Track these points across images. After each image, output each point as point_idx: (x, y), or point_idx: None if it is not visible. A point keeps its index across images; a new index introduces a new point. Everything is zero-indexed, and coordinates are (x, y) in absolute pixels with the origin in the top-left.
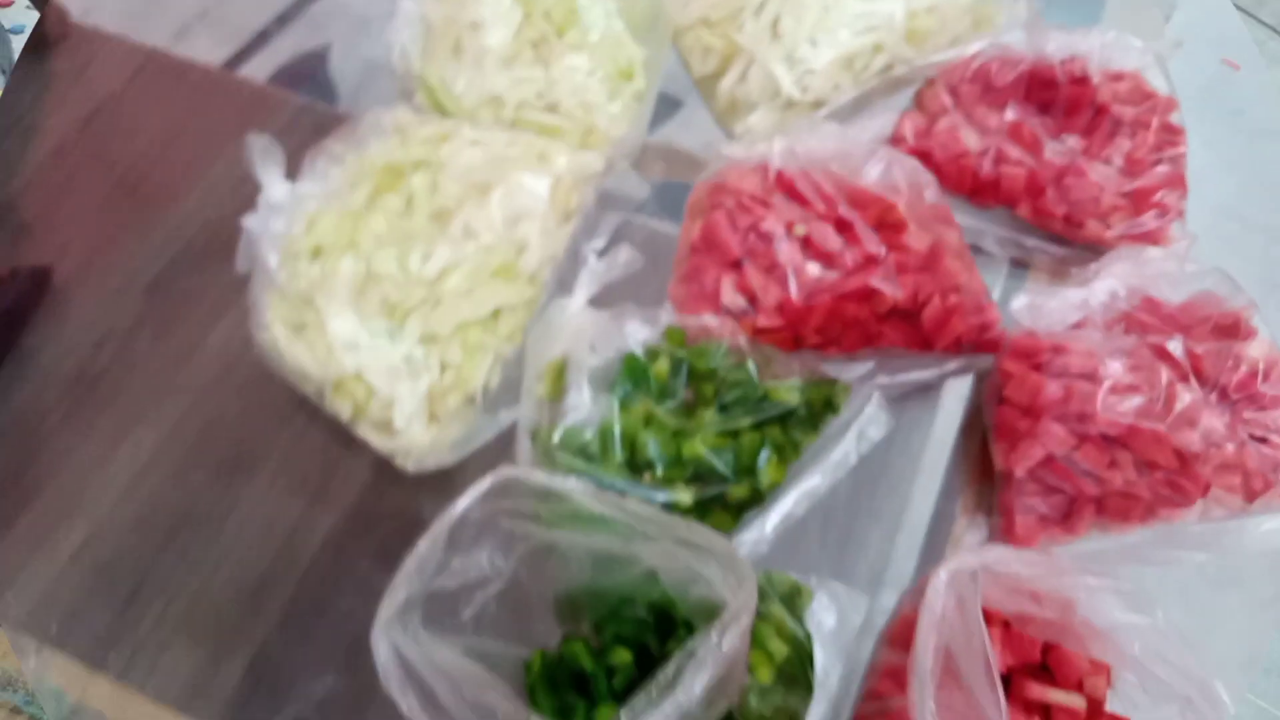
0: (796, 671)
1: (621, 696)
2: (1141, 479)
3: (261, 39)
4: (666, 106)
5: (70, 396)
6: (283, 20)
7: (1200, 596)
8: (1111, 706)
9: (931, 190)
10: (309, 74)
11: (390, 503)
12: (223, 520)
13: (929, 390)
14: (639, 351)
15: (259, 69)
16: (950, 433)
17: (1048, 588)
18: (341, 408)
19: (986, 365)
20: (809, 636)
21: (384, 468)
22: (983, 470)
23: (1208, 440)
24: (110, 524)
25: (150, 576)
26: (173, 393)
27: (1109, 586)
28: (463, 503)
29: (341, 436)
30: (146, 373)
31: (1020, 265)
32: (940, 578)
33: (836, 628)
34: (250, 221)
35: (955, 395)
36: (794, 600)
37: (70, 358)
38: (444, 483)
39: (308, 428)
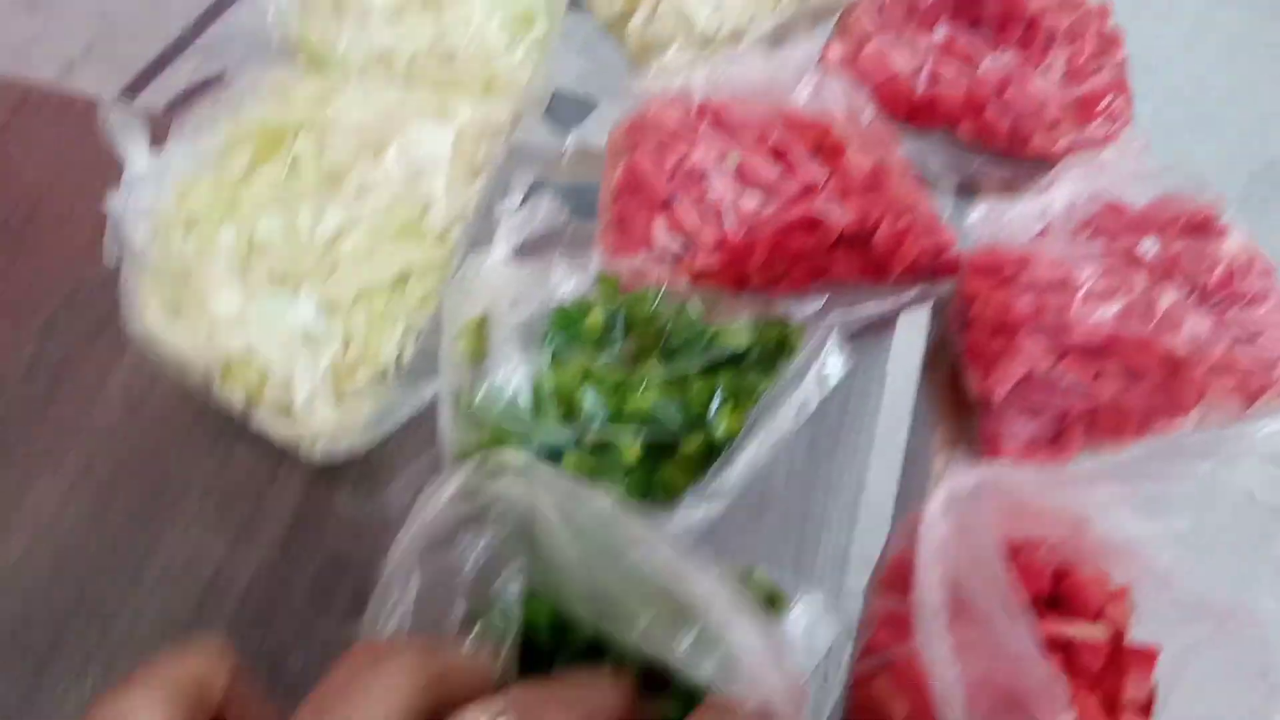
0: None
1: None
2: (1131, 389)
3: (156, 68)
4: (580, 108)
5: None
6: (177, 47)
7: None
8: (1135, 634)
9: (868, 111)
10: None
11: (325, 520)
12: (140, 567)
13: (885, 328)
14: (568, 304)
15: (154, 99)
16: (913, 370)
17: (1056, 504)
18: (233, 395)
19: (946, 292)
20: None
21: (317, 483)
22: (955, 402)
23: (1195, 343)
24: (15, 587)
25: (64, 639)
26: (77, 437)
27: (1126, 494)
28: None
29: (269, 459)
30: (47, 419)
31: (967, 192)
32: (936, 502)
33: (804, 643)
34: (113, 201)
35: (913, 330)
36: (770, 607)
37: None
38: (376, 485)
39: (229, 457)
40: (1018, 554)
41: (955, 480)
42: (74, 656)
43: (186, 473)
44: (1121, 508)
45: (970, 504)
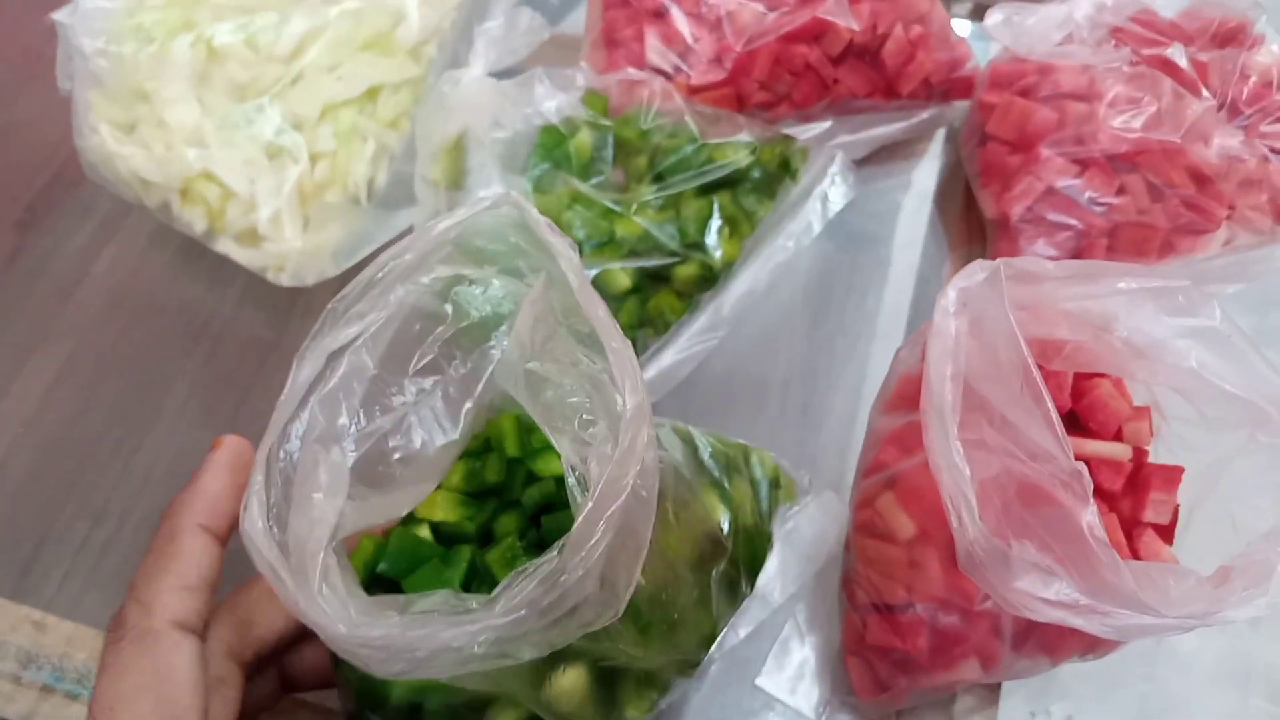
0: (730, 570)
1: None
2: (1156, 205)
3: None
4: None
5: None
6: None
7: None
8: (1159, 453)
9: None
10: None
11: None
12: (128, 464)
13: (895, 154)
14: (553, 124)
15: None
16: (925, 198)
17: (1077, 301)
18: (193, 219)
19: (959, 116)
20: (769, 538)
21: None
22: (969, 229)
23: (1224, 156)
24: (1, 483)
25: (51, 534)
26: (58, 332)
27: (1155, 288)
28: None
29: (255, 351)
30: (27, 315)
31: (984, 15)
32: (949, 297)
33: (813, 542)
34: (61, 14)
35: (928, 157)
36: (773, 491)
37: None
38: None
39: (215, 351)
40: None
41: (969, 273)
42: (62, 552)
43: (171, 368)
44: (1147, 304)
45: (986, 295)
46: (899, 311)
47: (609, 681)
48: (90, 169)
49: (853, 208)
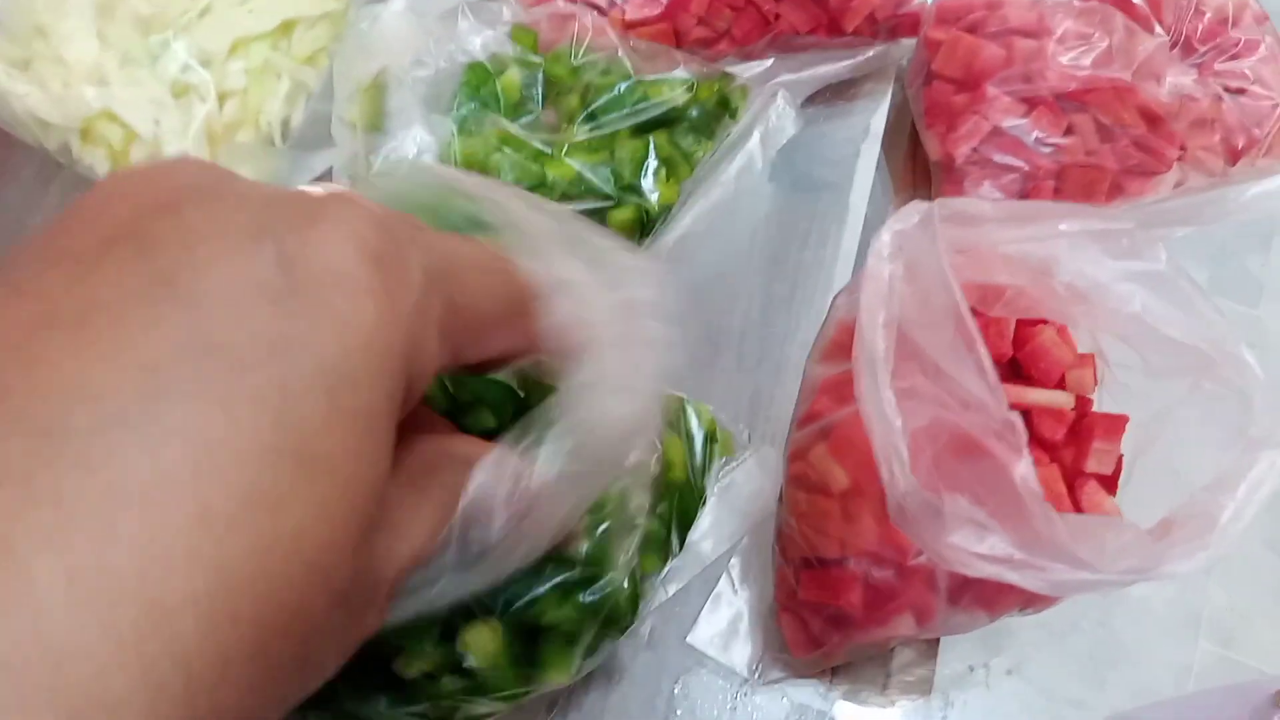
0: (658, 528)
1: None
2: (1105, 146)
3: None
4: None
5: None
6: None
7: None
8: (1100, 404)
9: None
10: None
11: None
12: None
13: (842, 94)
14: (481, 59)
15: None
16: (875, 140)
17: (1017, 244)
18: (95, 161)
19: (906, 54)
20: (702, 493)
21: None
22: (914, 173)
23: (1177, 95)
24: None
25: None
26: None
27: (1098, 230)
28: None
29: None
30: None
31: None
32: (883, 240)
33: (750, 498)
34: None
35: (876, 98)
36: (709, 445)
37: None
38: None
39: None
40: (974, 315)
41: (904, 215)
42: None
43: None
44: (1090, 247)
45: (921, 238)
46: (849, 259)
47: (529, 640)
48: None
49: (801, 151)
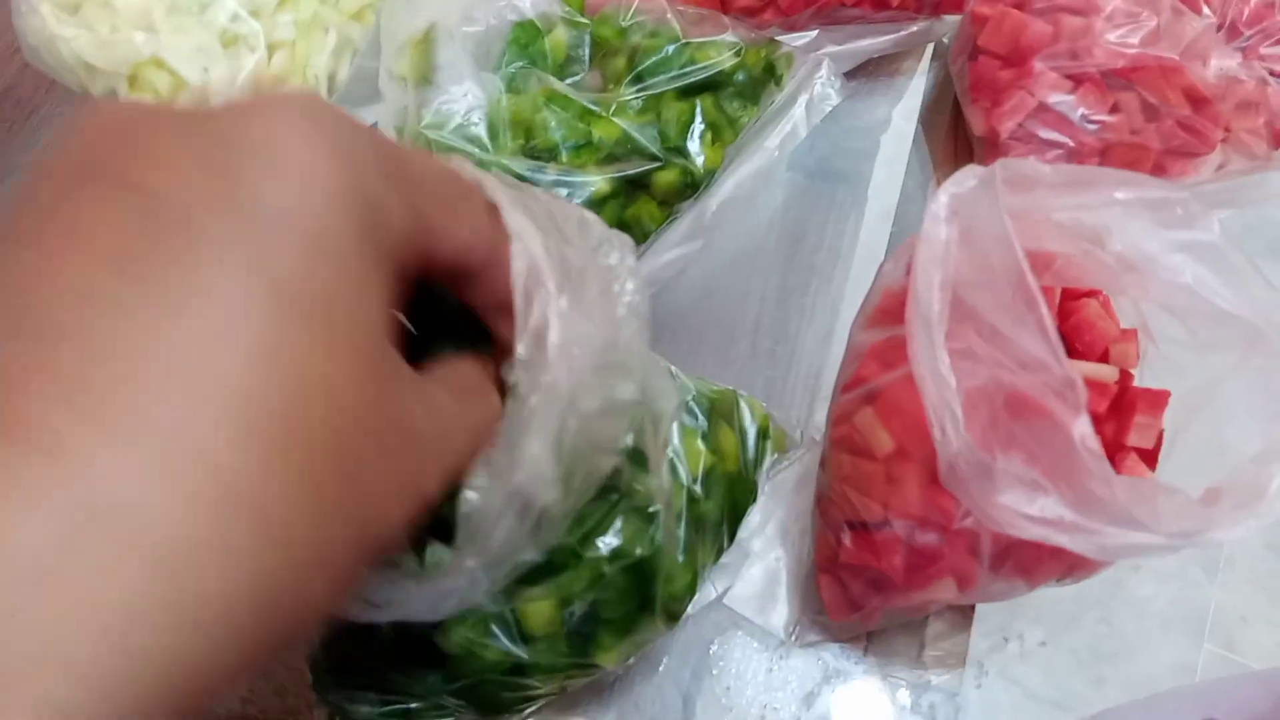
0: (711, 510)
1: None
2: (1150, 125)
3: None
4: None
5: None
6: None
7: None
8: (1142, 379)
9: None
10: None
11: None
12: None
13: (881, 69)
14: (531, 17)
15: None
16: (910, 116)
17: (1070, 211)
18: None
19: (949, 30)
20: (754, 488)
21: None
22: (955, 148)
23: (1222, 77)
24: None
25: None
26: None
27: (1153, 199)
28: None
29: None
30: None
31: None
32: (940, 202)
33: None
34: None
35: (915, 75)
36: (761, 441)
37: None
38: None
39: None
40: None
41: (961, 178)
42: None
43: None
44: (1143, 216)
45: (979, 200)
46: (882, 230)
47: (588, 621)
48: (32, 53)
49: (836, 125)
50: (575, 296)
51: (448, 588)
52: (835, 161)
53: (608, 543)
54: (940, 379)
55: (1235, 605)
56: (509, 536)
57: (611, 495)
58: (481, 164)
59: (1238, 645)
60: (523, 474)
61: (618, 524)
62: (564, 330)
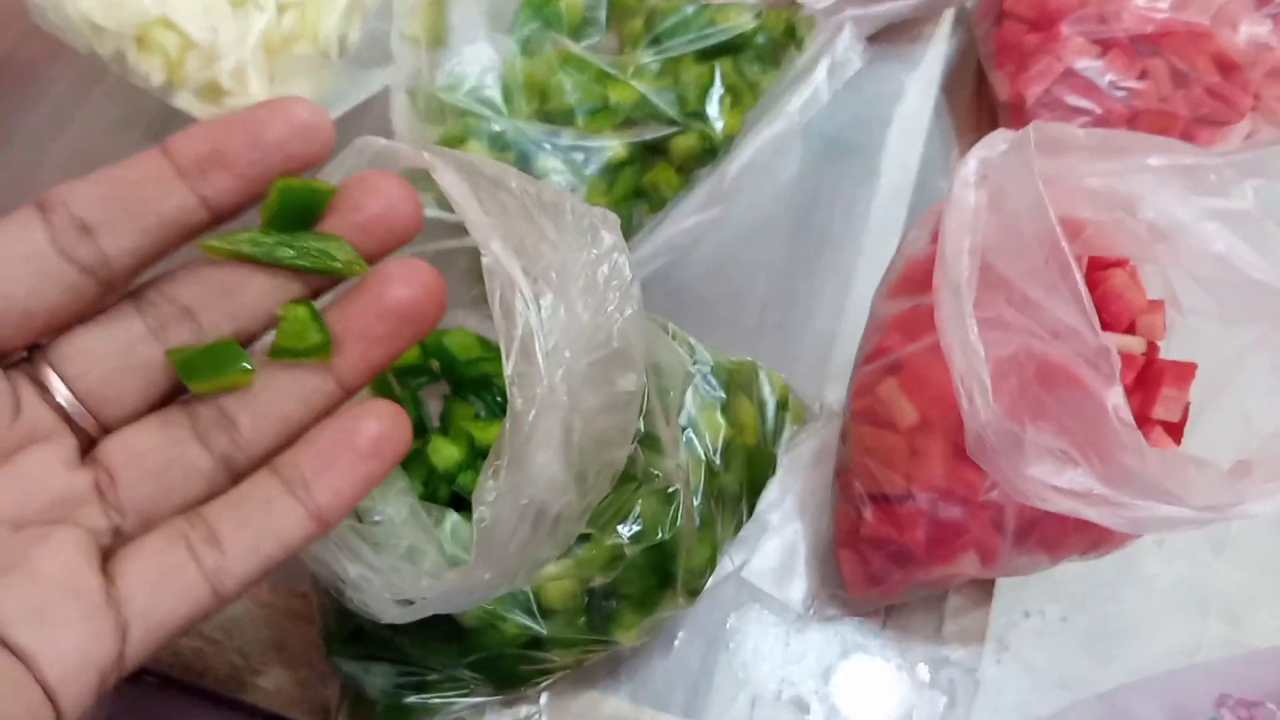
0: (730, 483)
1: None
2: (1178, 92)
3: None
4: None
5: None
6: None
7: None
8: (1168, 351)
9: None
10: None
11: None
12: None
13: (901, 34)
14: None
15: None
16: (932, 82)
17: (1102, 177)
18: (150, 70)
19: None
20: (773, 460)
21: None
22: (978, 115)
23: (1252, 43)
24: None
25: None
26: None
27: (1186, 165)
28: None
29: None
30: None
31: None
32: (969, 167)
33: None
34: None
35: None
36: (780, 413)
37: None
38: None
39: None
40: None
41: (990, 143)
42: None
43: None
44: (1176, 183)
45: (1009, 165)
46: (899, 199)
47: (608, 598)
48: (38, 13)
49: (855, 93)
50: (558, 295)
51: (472, 584)
52: (851, 130)
53: (629, 528)
54: (969, 347)
55: (1242, 584)
56: (524, 545)
57: (630, 484)
58: (495, 128)
59: (1244, 624)
60: (533, 487)
61: (637, 509)
62: (549, 336)
